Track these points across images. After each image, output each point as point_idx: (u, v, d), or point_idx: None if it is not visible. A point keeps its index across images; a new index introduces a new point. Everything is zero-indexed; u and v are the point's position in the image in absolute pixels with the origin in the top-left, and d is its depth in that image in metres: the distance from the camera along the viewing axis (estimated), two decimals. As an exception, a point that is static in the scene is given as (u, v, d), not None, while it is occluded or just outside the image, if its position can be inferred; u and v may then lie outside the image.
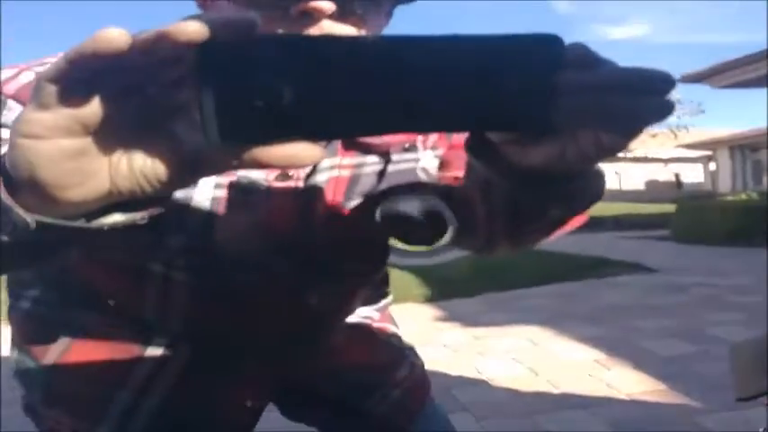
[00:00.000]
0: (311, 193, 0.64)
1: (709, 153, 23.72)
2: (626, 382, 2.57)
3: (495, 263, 5.42)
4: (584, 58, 0.35)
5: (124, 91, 0.30)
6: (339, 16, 0.54)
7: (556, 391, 2.52)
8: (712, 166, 23.76)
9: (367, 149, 0.65)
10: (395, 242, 0.72)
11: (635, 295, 4.70)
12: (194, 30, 0.28)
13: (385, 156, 0.66)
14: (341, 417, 0.85)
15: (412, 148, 0.68)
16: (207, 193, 0.60)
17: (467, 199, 0.59)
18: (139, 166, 0.32)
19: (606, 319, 3.83)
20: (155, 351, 0.69)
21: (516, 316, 3.99)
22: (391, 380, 0.85)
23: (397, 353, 0.88)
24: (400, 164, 0.67)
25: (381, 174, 0.66)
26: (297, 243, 0.64)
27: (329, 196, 0.64)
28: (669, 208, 11.25)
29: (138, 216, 0.36)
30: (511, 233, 0.59)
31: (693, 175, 27.55)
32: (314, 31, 0.53)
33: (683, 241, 8.56)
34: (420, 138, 0.68)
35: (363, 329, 0.86)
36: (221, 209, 0.61)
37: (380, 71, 0.30)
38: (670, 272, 5.79)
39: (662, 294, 4.65)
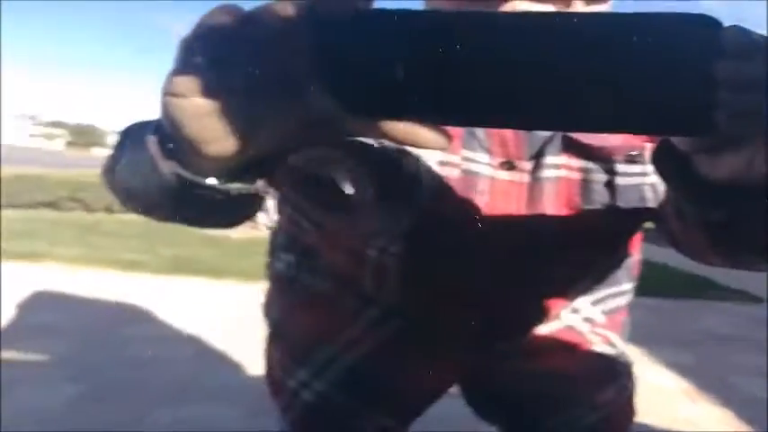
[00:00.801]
0: (540, 188, 0.62)
1: None
2: (708, 419, 2.55)
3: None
4: (745, 45, 0.29)
5: (249, 59, 0.32)
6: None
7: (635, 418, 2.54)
8: None
9: (588, 153, 0.61)
10: None
11: (736, 325, 4.51)
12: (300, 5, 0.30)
13: (607, 163, 0.61)
14: (517, 427, 0.80)
15: (638, 157, 0.61)
16: (432, 167, 0.61)
17: (664, 215, 0.58)
18: (270, 128, 0.34)
19: (701, 346, 3.73)
20: (366, 319, 0.75)
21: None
22: (590, 400, 0.76)
23: (608, 369, 0.79)
24: (627, 177, 0.61)
25: (610, 186, 0.61)
26: (516, 234, 0.63)
27: (560, 195, 0.62)
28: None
29: (260, 186, 0.39)
30: (717, 251, 0.52)
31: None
32: (507, 8, 0.52)
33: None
34: (648, 144, 0.60)
35: (575, 332, 0.77)
36: (445, 189, 0.61)
37: (523, 54, 0.27)
38: (779, 305, 5.47)
39: (765, 329, 4.44)
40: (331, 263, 0.75)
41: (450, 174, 0.60)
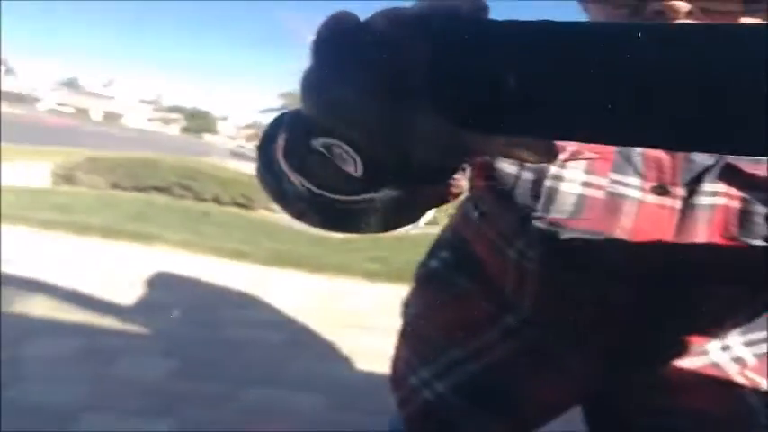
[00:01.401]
0: (693, 215, 0.60)
1: None
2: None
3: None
4: None
5: (365, 67, 0.31)
6: (700, 15, 0.49)
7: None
8: None
9: (751, 183, 0.59)
10: None
11: None
12: (413, 13, 0.29)
13: None
14: None
15: None
16: (574, 187, 0.63)
17: None
18: (387, 138, 0.33)
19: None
20: (501, 327, 0.77)
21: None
22: None
23: (752, 417, 0.71)
24: None
25: None
26: (662, 260, 0.62)
27: (715, 224, 0.60)
28: None
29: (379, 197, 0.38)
30: None
31: None
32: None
33: None
34: None
35: (722, 371, 0.72)
36: (585, 208, 0.62)
37: (651, 70, 0.25)
38: None
39: None
40: (480, 260, 0.78)
41: (594, 194, 0.62)
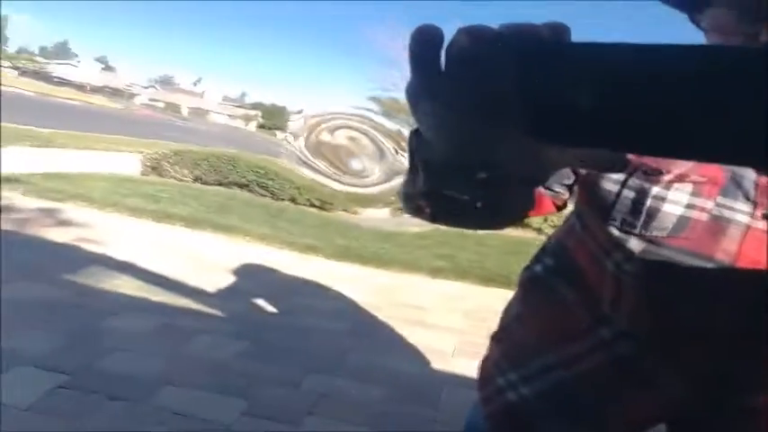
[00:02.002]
0: None
1: None
2: None
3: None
4: None
5: (458, 80, 0.33)
6: None
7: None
8: None
9: None
10: None
11: None
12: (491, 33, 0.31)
13: None
14: None
15: None
16: (677, 208, 0.65)
17: None
18: (481, 146, 0.35)
19: None
20: (596, 338, 0.77)
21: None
22: None
23: None
24: None
25: None
26: (766, 285, 0.63)
27: None
28: None
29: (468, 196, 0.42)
30: None
31: None
32: None
33: None
34: None
35: None
36: (686, 228, 0.65)
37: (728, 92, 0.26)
38: None
39: None
40: (580, 269, 0.79)
41: (698, 216, 0.64)
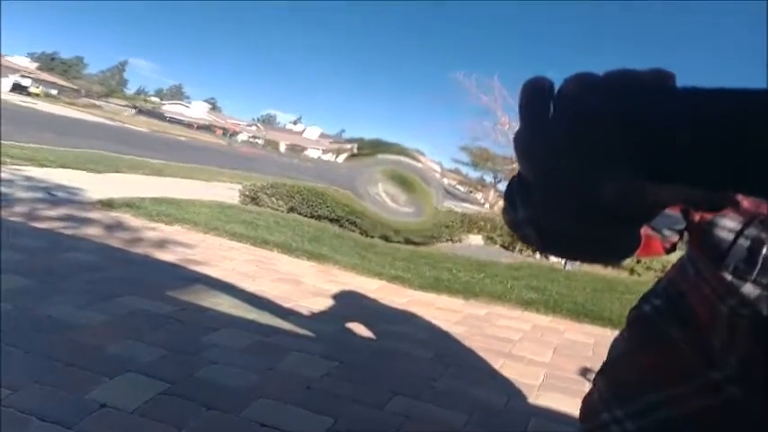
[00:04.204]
0: None
1: None
2: None
3: None
4: None
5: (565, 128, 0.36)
6: None
7: None
8: None
9: None
10: None
11: None
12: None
13: None
14: None
15: None
16: None
17: None
18: (585, 191, 0.37)
19: None
20: (704, 380, 0.76)
21: None
22: None
23: None
24: None
25: None
26: None
27: None
28: None
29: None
30: None
31: None
32: None
33: None
34: None
35: None
36: None
37: None
38: None
39: None
40: (693, 313, 0.79)
41: None
